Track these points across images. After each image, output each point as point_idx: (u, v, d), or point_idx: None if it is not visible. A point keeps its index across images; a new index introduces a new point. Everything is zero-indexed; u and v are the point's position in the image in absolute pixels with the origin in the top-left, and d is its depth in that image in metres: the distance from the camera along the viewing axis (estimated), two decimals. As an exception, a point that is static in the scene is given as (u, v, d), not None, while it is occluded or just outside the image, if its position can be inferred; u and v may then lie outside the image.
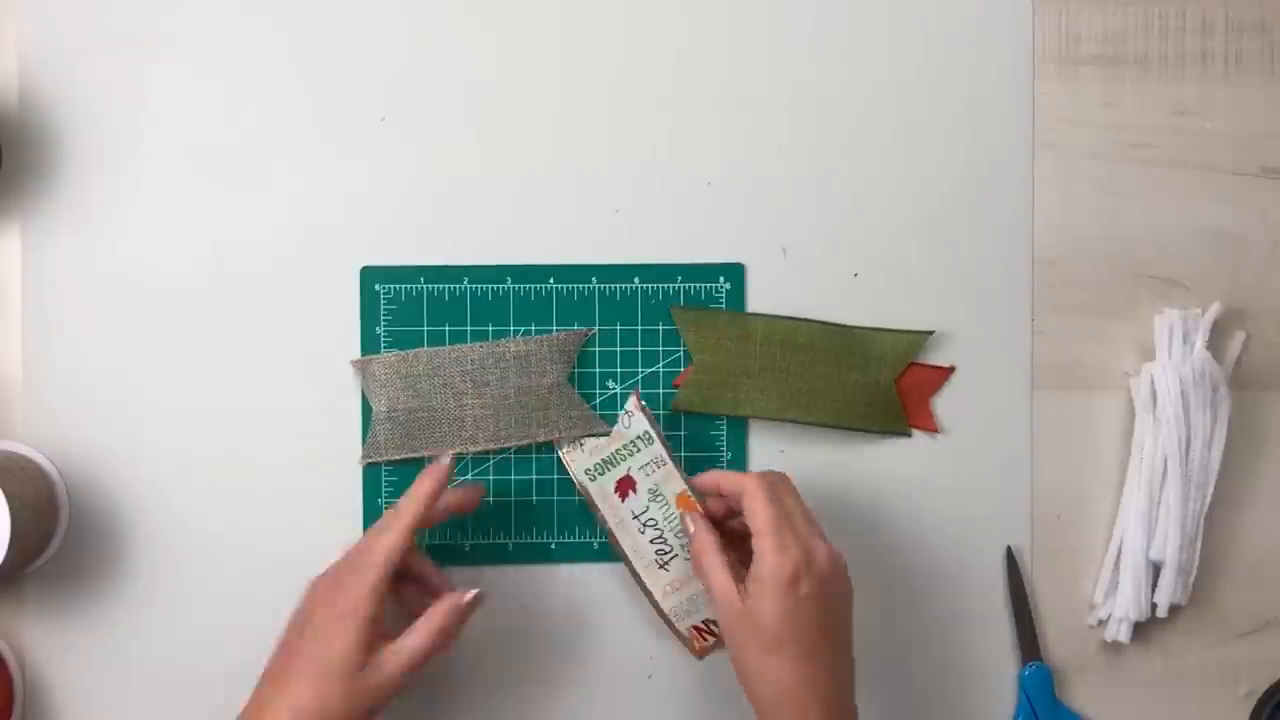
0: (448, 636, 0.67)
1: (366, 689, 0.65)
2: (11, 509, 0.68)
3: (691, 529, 0.71)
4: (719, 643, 0.77)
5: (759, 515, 0.67)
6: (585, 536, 0.77)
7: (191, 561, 0.76)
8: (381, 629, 0.66)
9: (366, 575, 0.66)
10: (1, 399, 0.75)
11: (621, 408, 0.76)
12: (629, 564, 0.75)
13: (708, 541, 0.69)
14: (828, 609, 0.67)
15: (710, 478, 0.73)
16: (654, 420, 0.75)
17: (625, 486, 0.75)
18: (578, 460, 0.76)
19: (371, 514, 0.76)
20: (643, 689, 0.76)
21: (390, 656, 0.66)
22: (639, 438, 0.75)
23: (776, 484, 0.69)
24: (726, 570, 0.67)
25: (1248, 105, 0.78)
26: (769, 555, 0.66)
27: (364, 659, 0.65)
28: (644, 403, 0.75)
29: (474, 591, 0.68)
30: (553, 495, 0.76)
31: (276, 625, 0.74)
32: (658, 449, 0.75)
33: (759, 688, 0.67)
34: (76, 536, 0.75)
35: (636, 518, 0.75)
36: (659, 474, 0.76)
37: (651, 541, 0.75)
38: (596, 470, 0.75)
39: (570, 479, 0.76)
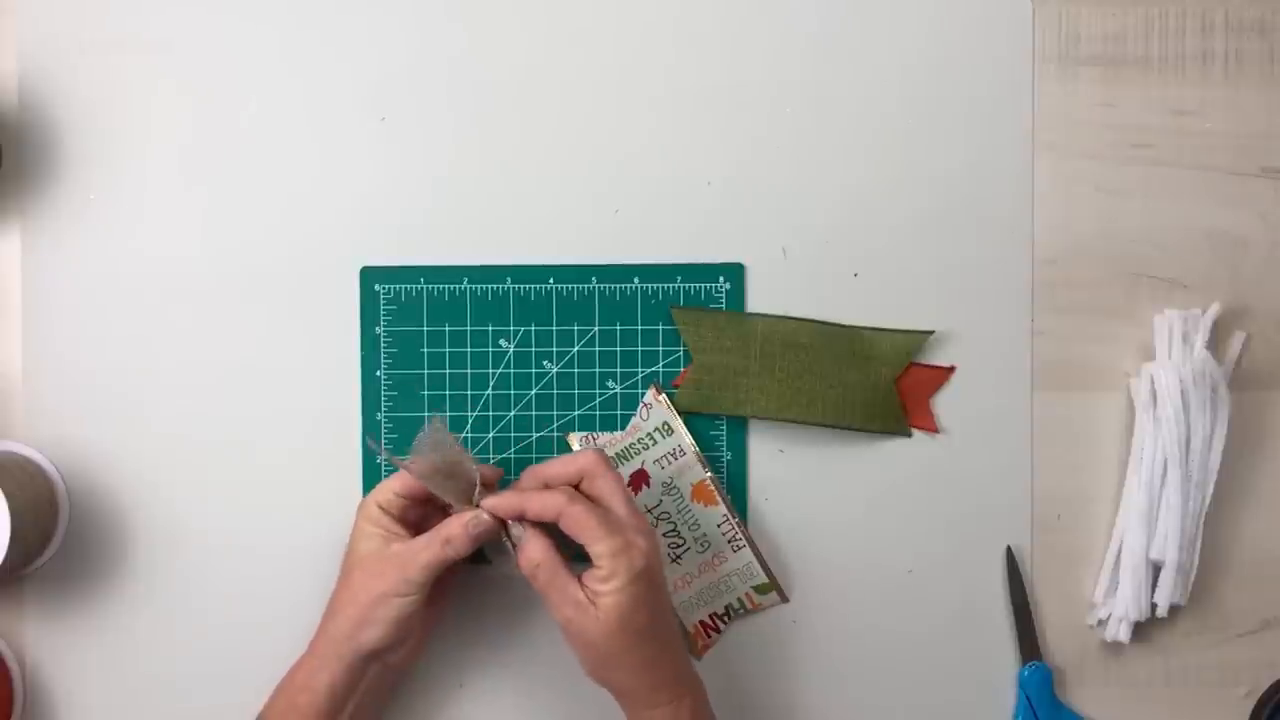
0: (452, 545, 0.68)
1: (385, 580, 0.68)
2: (11, 509, 0.68)
3: (537, 556, 0.67)
4: (718, 640, 0.77)
5: (581, 524, 0.66)
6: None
7: (191, 561, 0.76)
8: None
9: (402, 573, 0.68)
10: (1, 399, 0.75)
11: (623, 406, 0.76)
12: None
13: (556, 557, 0.67)
14: (661, 583, 0.68)
15: (514, 504, 0.68)
16: (673, 410, 0.76)
17: (639, 480, 0.76)
18: None
19: (371, 514, 0.76)
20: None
21: (401, 547, 0.68)
22: (657, 429, 0.76)
23: (589, 479, 0.68)
24: (576, 581, 0.66)
25: (1248, 105, 0.78)
26: (607, 560, 0.65)
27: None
28: (663, 394, 0.76)
29: (481, 516, 0.68)
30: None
31: (276, 624, 0.75)
32: (677, 439, 0.76)
33: (630, 677, 0.67)
34: (76, 536, 0.75)
35: (649, 511, 0.75)
36: (675, 466, 0.76)
37: (665, 535, 0.75)
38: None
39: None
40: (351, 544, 0.70)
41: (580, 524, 0.66)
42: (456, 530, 0.68)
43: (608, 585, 0.65)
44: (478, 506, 0.68)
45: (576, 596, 0.66)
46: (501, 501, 0.68)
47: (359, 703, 0.69)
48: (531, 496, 0.67)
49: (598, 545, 0.65)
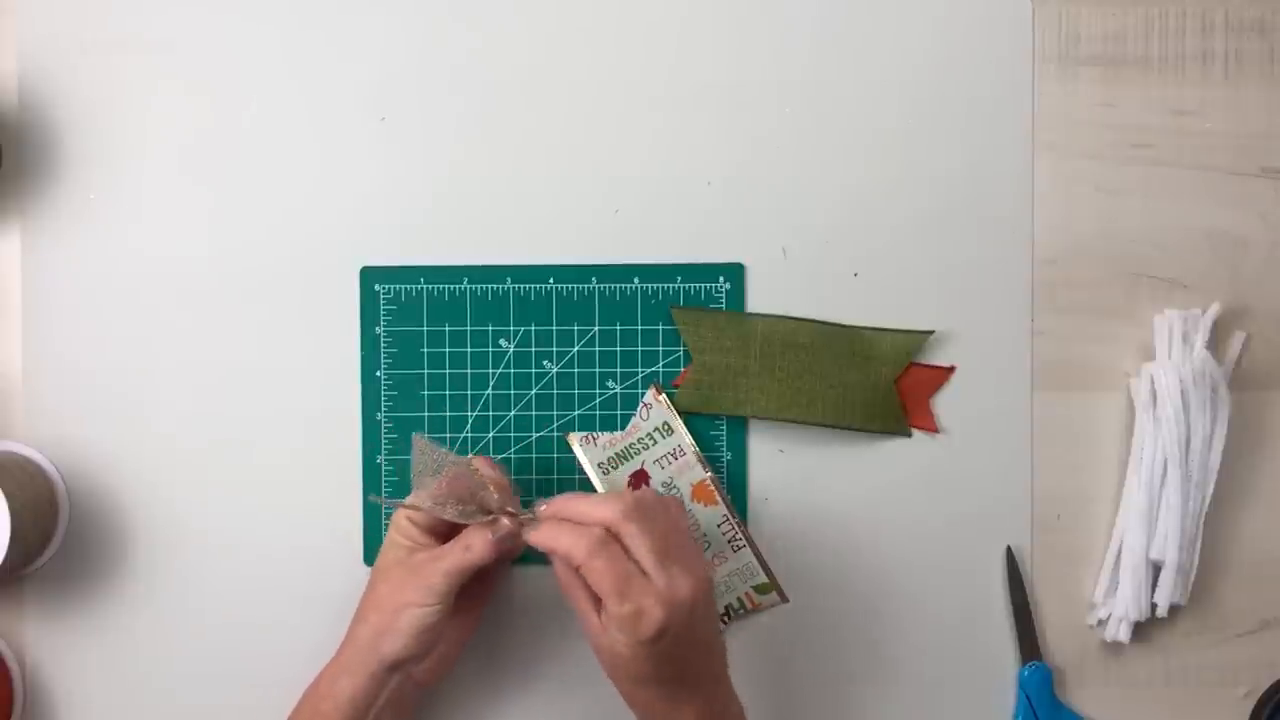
0: (473, 551, 0.67)
1: (411, 588, 0.67)
2: (11, 509, 0.68)
3: (564, 576, 0.66)
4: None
5: (597, 581, 0.63)
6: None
7: (191, 561, 0.76)
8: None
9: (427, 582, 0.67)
10: (1, 399, 0.75)
11: (623, 406, 0.76)
12: None
13: (573, 580, 0.66)
14: (683, 647, 0.65)
15: (548, 543, 0.66)
16: (673, 410, 0.76)
17: (639, 480, 0.76)
18: (591, 454, 0.76)
19: (371, 513, 0.76)
20: (643, 689, 0.76)
21: (425, 556, 0.68)
22: (657, 429, 0.76)
23: (618, 531, 0.64)
24: (591, 606, 0.65)
25: (1248, 105, 0.78)
26: (615, 621, 0.63)
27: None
28: (663, 394, 0.76)
29: (502, 521, 0.67)
30: (555, 493, 0.76)
31: (275, 624, 0.75)
32: (677, 439, 0.76)
33: (634, 708, 0.67)
34: (76, 536, 0.75)
35: None
36: (674, 466, 0.76)
37: None
38: (610, 464, 0.76)
39: (577, 474, 0.76)
40: (380, 554, 0.70)
41: (595, 579, 0.63)
42: (477, 536, 0.67)
43: (616, 635, 0.64)
44: (521, 522, 0.67)
45: (593, 621, 0.65)
46: (539, 535, 0.66)
47: (383, 712, 0.68)
48: (561, 536, 0.64)
49: (610, 605, 0.63)
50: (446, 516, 0.67)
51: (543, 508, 0.67)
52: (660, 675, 0.65)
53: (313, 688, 0.69)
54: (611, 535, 0.64)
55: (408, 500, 0.68)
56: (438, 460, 0.68)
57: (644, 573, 0.63)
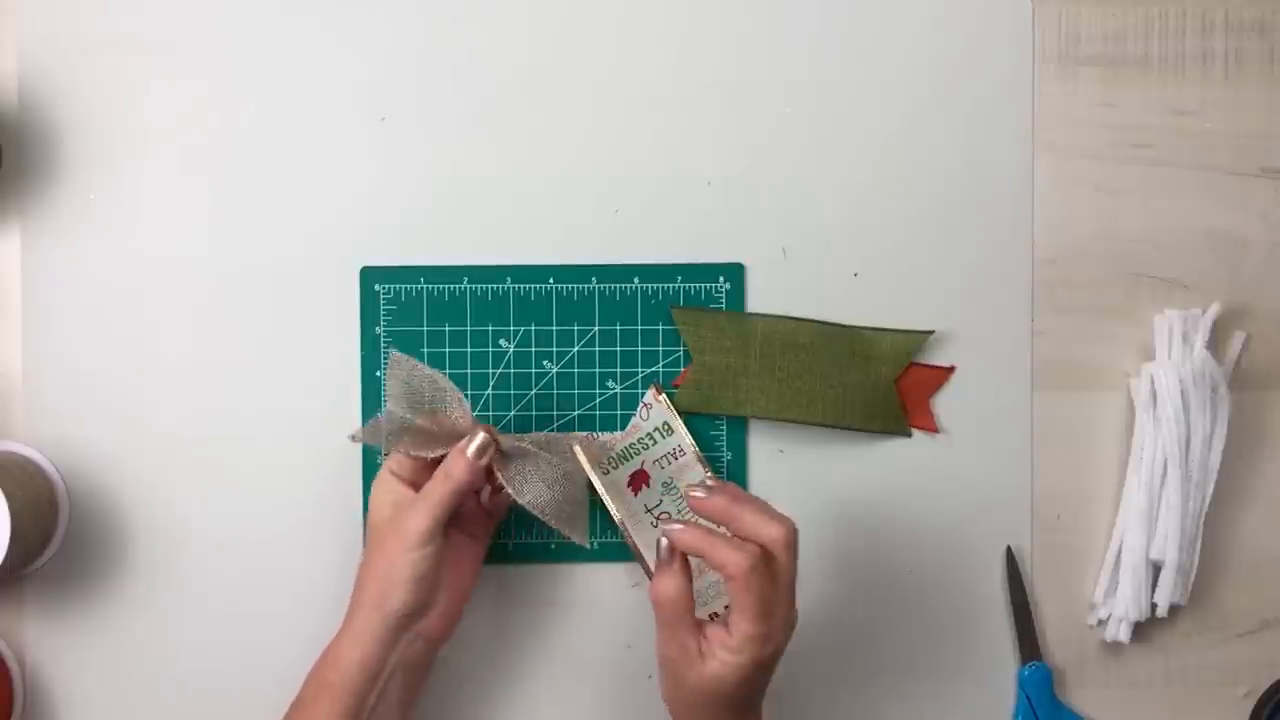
0: (453, 476, 0.67)
1: (405, 536, 0.67)
2: (11, 509, 0.68)
3: (672, 593, 0.65)
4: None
5: (744, 598, 0.63)
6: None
7: (191, 561, 0.76)
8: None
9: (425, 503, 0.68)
10: (1, 399, 0.75)
11: (623, 406, 0.76)
12: (641, 558, 0.75)
13: (689, 600, 0.65)
14: (773, 670, 0.66)
15: (700, 546, 0.65)
16: (673, 410, 0.76)
17: (639, 480, 0.76)
18: (590, 454, 0.76)
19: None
20: (643, 689, 0.76)
21: (415, 502, 0.68)
22: (657, 429, 0.76)
23: (772, 560, 0.65)
24: (696, 630, 0.65)
25: (1248, 105, 0.78)
26: (741, 640, 0.63)
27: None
28: (663, 394, 0.76)
29: (479, 438, 0.68)
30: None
31: (276, 623, 0.75)
32: (677, 439, 0.76)
33: None
34: (76, 536, 0.75)
35: (649, 511, 0.76)
36: (674, 466, 0.76)
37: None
38: (610, 464, 0.76)
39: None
40: (370, 525, 0.70)
41: (743, 596, 0.63)
42: (454, 459, 0.67)
43: (728, 657, 0.64)
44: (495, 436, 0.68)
45: (689, 645, 0.65)
46: (687, 535, 0.65)
47: (392, 677, 0.68)
48: (720, 547, 0.64)
49: (744, 623, 0.63)
50: (423, 453, 0.68)
51: (698, 495, 0.66)
52: (745, 698, 0.65)
53: (318, 663, 0.68)
54: (768, 554, 0.64)
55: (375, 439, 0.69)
56: (415, 379, 0.70)
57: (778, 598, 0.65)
